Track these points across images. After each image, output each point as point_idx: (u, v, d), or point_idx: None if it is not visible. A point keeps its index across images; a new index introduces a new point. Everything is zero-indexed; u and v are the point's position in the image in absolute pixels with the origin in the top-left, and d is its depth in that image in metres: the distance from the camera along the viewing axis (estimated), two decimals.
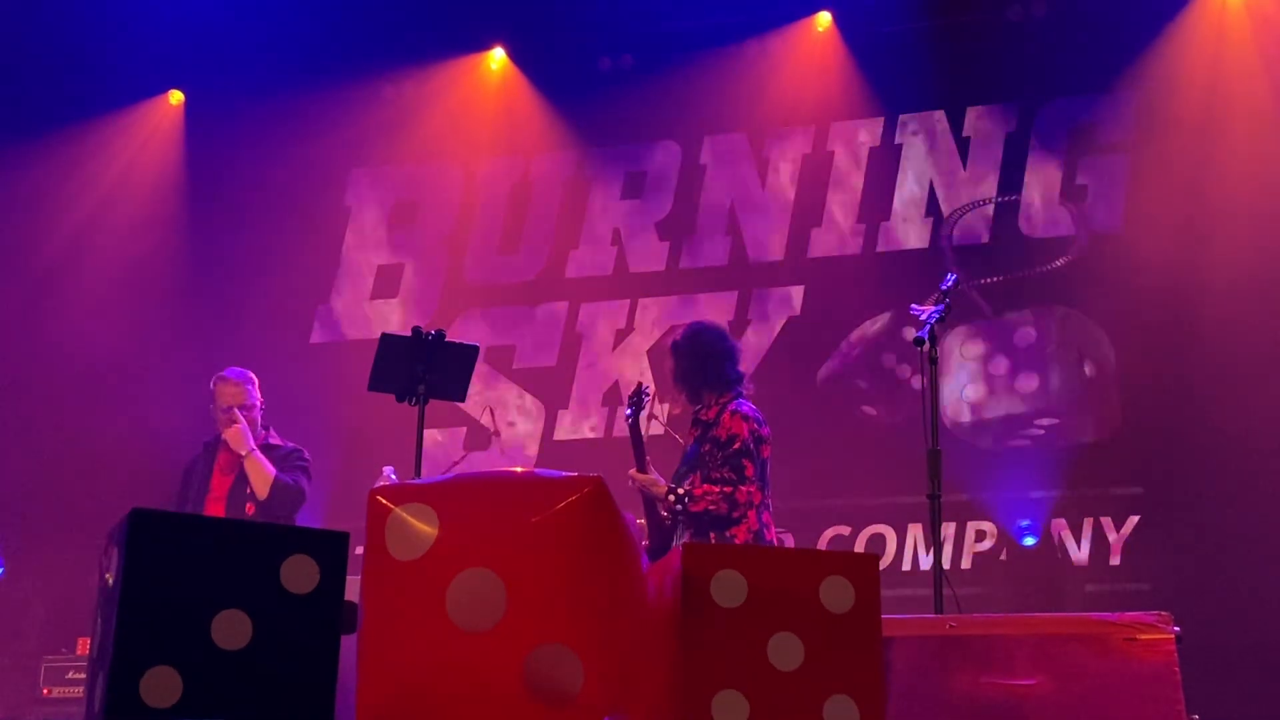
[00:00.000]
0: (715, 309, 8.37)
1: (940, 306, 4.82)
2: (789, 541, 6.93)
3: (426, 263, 9.08)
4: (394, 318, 8.84)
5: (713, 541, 4.92)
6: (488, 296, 8.93)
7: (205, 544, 2.63)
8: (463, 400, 5.76)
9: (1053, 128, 8.11)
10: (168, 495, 5.89)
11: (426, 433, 5.43)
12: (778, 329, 8.32)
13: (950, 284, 4.95)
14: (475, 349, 5.57)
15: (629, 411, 5.36)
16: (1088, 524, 7.49)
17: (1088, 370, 7.78)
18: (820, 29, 8.60)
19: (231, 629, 2.57)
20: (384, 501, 2.79)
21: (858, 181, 8.41)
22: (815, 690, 2.78)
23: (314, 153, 8.95)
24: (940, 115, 8.32)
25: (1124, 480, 7.49)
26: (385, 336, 5.48)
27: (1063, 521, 7.52)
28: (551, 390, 8.66)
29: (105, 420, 8.21)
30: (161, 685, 2.50)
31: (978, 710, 3.63)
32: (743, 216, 8.60)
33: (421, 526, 2.75)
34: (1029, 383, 7.84)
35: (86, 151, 9.04)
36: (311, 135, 8.89)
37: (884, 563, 5.86)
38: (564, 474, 2.87)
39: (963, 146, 8.24)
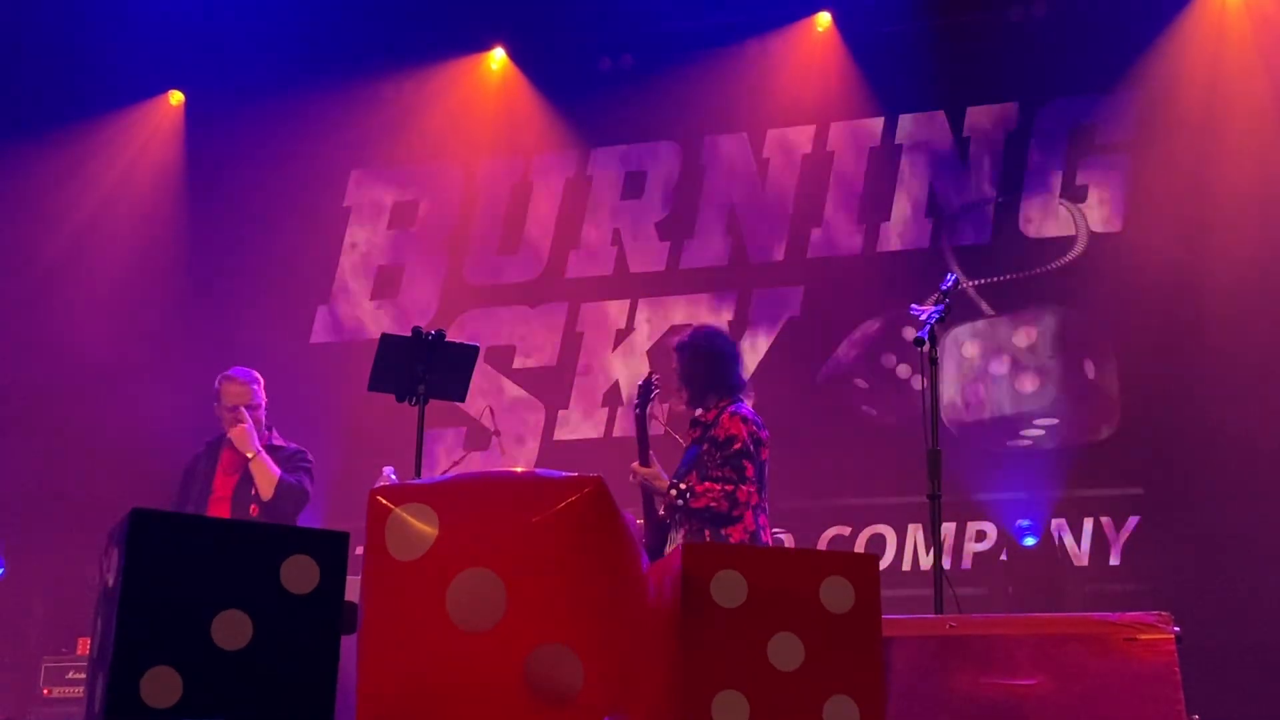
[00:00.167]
0: (715, 309, 8.37)
1: (940, 306, 4.82)
2: (789, 541, 6.94)
3: (427, 263, 9.08)
4: (394, 318, 8.84)
5: (708, 540, 4.92)
6: (488, 296, 8.93)
7: (205, 544, 2.62)
8: (463, 400, 5.75)
9: (1053, 128, 8.11)
10: (168, 495, 5.87)
11: (426, 433, 5.43)
12: (778, 329, 8.32)
13: (950, 284, 4.95)
14: (475, 349, 5.56)
15: (636, 403, 5.36)
16: (1088, 524, 7.49)
17: (1088, 370, 7.77)
18: (820, 29, 8.60)
19: (231, 629, 2.56)
20: (384, 502, 2.78)
21: (858, 182, 8.41)
22: (815, 690, 2.78)
23: (314, 153, 8.96)
24: (940, 115, 8.32)
25: (1124, 480, 7.49)
26: (385, 336, 5.47)
27: (1063, 521, 7.52)
28: (551, 390, 8.66)
29: (105, 420, 8.20)
30: (161, 685, 2.50)
31: (978, 710, 3.62)
32: (743, 216, 8.60)
33: (421, 526, 2.75)
34: (1029, 383, 7.84)
35: (87, 152, 9.05)
36: (311, 135, 8.89)
37: (884, 563, 5.85)
38: (564, 474, 2.86)
39: (963, 146, 8.25)
